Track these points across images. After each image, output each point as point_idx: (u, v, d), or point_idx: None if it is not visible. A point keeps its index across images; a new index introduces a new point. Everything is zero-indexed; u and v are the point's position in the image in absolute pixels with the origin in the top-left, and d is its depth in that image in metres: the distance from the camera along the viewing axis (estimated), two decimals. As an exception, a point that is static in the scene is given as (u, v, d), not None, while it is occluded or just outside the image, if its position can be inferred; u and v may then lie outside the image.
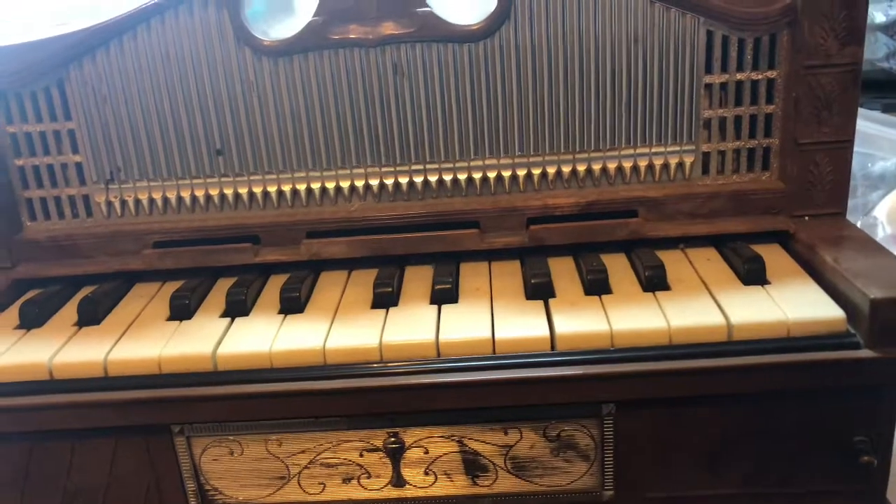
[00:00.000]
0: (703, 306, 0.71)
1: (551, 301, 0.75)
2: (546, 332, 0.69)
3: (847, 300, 0.68)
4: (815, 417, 0.70)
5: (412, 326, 0.73)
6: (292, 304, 0.78)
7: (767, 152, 0.83)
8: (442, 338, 0.70)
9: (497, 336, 0.70)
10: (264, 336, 0.73)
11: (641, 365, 0.67)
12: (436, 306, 0.76)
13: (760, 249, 0.81)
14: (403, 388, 0.69)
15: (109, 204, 0.88)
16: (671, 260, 0.81)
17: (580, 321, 0.70)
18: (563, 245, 0.83)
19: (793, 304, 0.70)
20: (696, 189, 0.84)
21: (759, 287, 0.73)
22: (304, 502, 0.76)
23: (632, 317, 0.70)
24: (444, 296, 0.77)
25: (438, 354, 0.70)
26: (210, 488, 0.77)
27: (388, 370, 0.70)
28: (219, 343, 0.73)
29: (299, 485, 0.76)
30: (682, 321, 0.69)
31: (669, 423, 0.71)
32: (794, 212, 0.83)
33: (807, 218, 0.83)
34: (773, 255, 0.80)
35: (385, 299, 0.77)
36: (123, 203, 0.88)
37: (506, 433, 0.73)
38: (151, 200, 0.87)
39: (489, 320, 0.72)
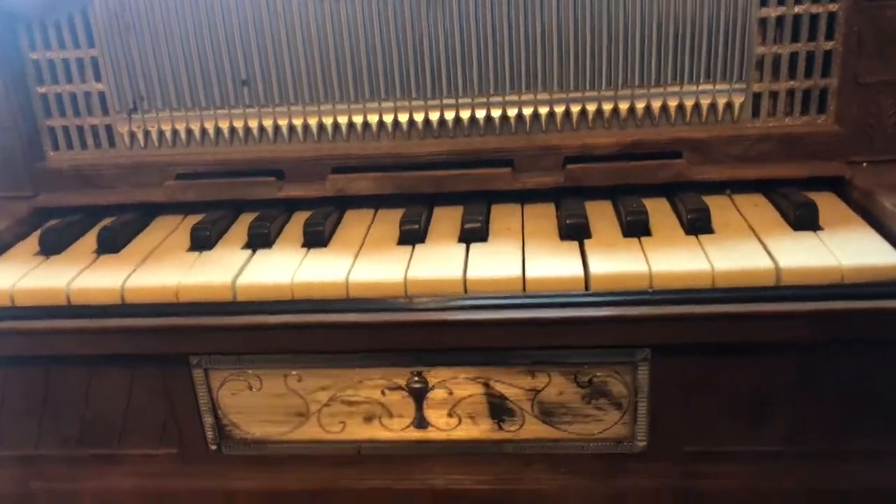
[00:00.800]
0: (750, 250, 0.66)
1: (587, 242, 0.71)
2: (580, 272, 0.66)
3: (902, 245, 0.64)
4: (867, 371, 0.65)
5: (439, 263, 0.69)
6: (316, 238, 0.75)
7: (824, 93, 0.78)
8: (470, 275, 0.67)
9: (528, 274, 0.66)
10: (286, 268, 0.70)
11: (680, 308, 0.63)
12: (464, 244, 0.73)
13: (813, 196, 0.76)
14: (428, 324, 0.66)
15: (132, 134, 0.86)
16: (716, 205, 0.76)
17: (616, 262, 0.66)
18: (601, 187, 0.79)
19: (847, 249, 0.65)
20: (746, 131, 0.78)
21: (811, 233, 0.69)
22: (323, 440, 0.74)
23: (672, 258, 0.66)
24: (473, 234, 0.74)
25: (466, 291, 0.67)
26: (227, 423, 0.75)
27: (412, 306, 0.67)
28: (239, 273, 0.70)
29: (319, 423, 0.74)
30: (726, 264, 0.64)
31: (709, 373, 0.67)
32: (850, 157, 0.77)
33: (865, 164, 0.77)
34: (826, 202, 0.75)
35: (412, 236, 0.74)
36: (147, 133, 0.85)
37: (533, 377, 0.69)
38: (175, 131, 0.85)
39: (520, 259, 0.69)
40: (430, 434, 0.73)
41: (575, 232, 0.72)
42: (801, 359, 0.66)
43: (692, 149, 0.79)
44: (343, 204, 0.84)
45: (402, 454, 0.74)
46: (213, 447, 0.76)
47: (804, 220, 0.70)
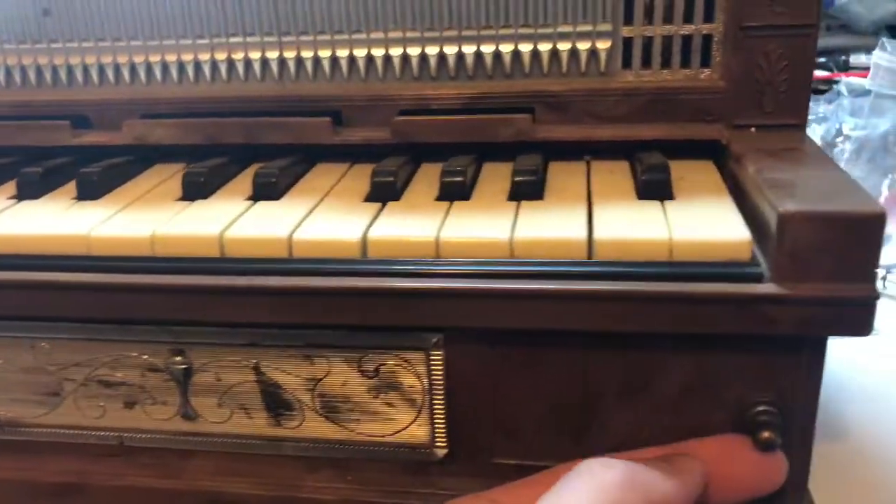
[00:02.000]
0: (569, 220, 0.53)
1: (391, 205, 0.59)
2: (358, 236, 0.53)
3: (760, 219, 0.50)
4: (700, 375, 0.52)
5: (205, 221, 0.58)
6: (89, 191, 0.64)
7: (708, 42, 0.64)
8: (229, 234, 0.55)
9: (296, 237, 0.54)
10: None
11: (471, 283, 0.51)
12: (251, 202, 0.61)
13: (684, 165, 0.63)
14: (180, 289, 0.54)
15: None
16: (564, 170, 0.64)
17: (406, 227, 0.54)
18: (438, 144, 0.67)
19: (688, 221, 0.52)
20: (611, 84, 0.65)
21: (657, 202, 0.56)
22: (82, 427, 0.63)
23: (474, 226, 0.54)
24: (265, 190, 0.62)
25: (222, 254, 0.55)
26: (-20, 401, 0.64)
27: (159, 266, 0.55)
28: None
29: (76, 405, 0.62)
30: (529, 233, 0.52)
31: (515, 366, 0.55)
32: (736, 120, 0.64)
33: (753, 129, 0.64)
34: (697, 171, 0.62)
35: (194, 191, 0.63)
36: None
37: (312, 363, 0.57)
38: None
39: (300, 219, 0.57)
40: (200, 427, 0.61)
41: (382, 193, 0.60)
42: (630, 355, 0.53)
43: (547, 104, 0.66)
44: (149, 156, 0.73)
45: (170, 448, 0.62)
46: (-37, 428, 0.65)
47: (651, 186, 0.56)
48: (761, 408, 0.51)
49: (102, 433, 0.63)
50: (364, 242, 0.53)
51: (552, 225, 0.52)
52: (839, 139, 1.37)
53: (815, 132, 1.42)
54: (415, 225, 0.54)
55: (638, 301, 0.48)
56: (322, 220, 0.57)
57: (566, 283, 0.49)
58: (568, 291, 0.49)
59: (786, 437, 0.52)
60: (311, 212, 0.58)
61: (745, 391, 0.52)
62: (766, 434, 0.50)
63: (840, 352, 0.85)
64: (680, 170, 0.62)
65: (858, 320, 0.47)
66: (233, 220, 0.57)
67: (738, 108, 0.63)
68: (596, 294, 0.48)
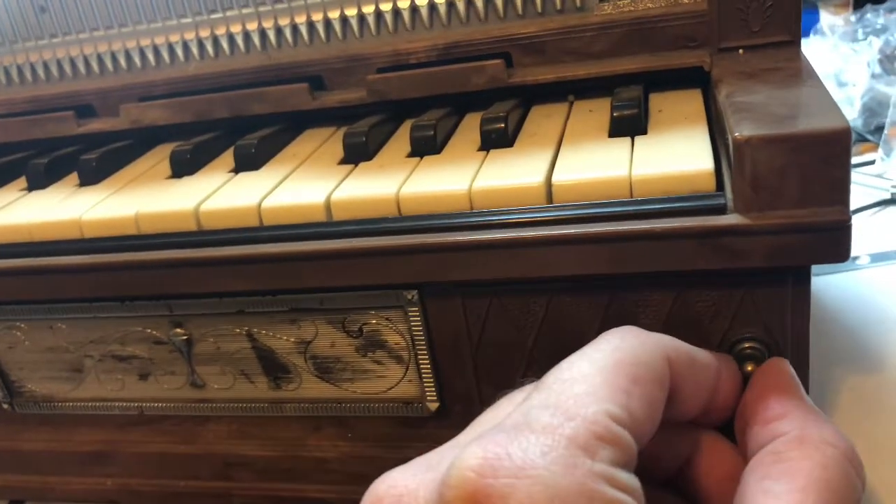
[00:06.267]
0: (531, 165, 0.52)
1: (363, 164, 0.59)
2: (321, 199, 0.54)
3: (727, 147, 0.48)
4: (681, 313, 0.50)
5: (186, 196, 0.60)
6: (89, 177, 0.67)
7: (687, -38, 0.61)
8: (205, 206, 0.57)
9: (265, 204, 0.55)
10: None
11: (433, 237, 0.50)
12: (233, 174, 0.63)
13: (669, 96, 0.61)
14: (166, 264, 0.56)
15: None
16: (543, 113, 0.62)
17: (372, 185, 0.54)
18: (417, 100, 0.66)
19: (652, 156, 0.49)
20: (587, 20, 0.63)
21: (626, 139, 0.53)
22: (106, 399, 0.67)
23: (436, 180, 0.53)
24: (245, 162, 0.63)
25: (199, 227, 0.57)
26: (15, 379, 0.69)
27: (145, 243, 0.57)
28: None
29: (98, 380, 0.67)
30: (487, 182, 0.51)
31: (493, 317, 0.54)
32: (722, 43, 0.60)
33: (741, 51, 0.60)
34: (680, 102, 0.59)
35: (182, 167, 0.65)
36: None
37: (298, 326, 0.59)
38: (-12, 69, 0.79)
39: (270, 187, 0.58)
40: (208, 394, 0.64)
41: (354, 154, 0.60)
42: (607, 296, 0.52)
43: (523, 47, 0.64)
44: (152, 138, 0.75)
45: (186, 415, 0.66)
46: (6, 406, 0.70)
47: (620, 124, 0.54)
48: (746, 343, 0.49)
49: (124, 404, 0.67)
50: (328, 205, 0.54)
51: (512, 172, 0.51)
52: (900, 51, 1.27)
53: (872, 45, 1.32)
54: (378, 183, 0.54)
55: (598, 242, 0.47)
56: (293, 186, 0.57)
57: (525, 231, 0.48)
58: (525, 239, 0.48)
59: (775, 372, 0.50)
60: (284, 179, 0.59)
61: (729, 328, 0.50)
62: (748, 367, 0.48)
63: (883, 280, 0.80)
64: (662, 102, 0.59)
65: (833, 246, 0.44)
66: (209, 194, 0.59)
67: (722, 30, 0.60)
68: (553, 238, 0.47)
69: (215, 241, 0.56)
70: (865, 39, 1.27)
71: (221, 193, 0.59)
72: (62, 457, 0.69)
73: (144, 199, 0.61)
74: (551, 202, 0.49)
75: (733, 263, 0.45)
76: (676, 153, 0.49)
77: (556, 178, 0.49)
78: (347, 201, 0.53)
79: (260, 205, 0.55)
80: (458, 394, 0.58)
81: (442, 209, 0.51)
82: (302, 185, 0.57)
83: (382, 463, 0.57)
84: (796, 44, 0.59)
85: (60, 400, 0.69)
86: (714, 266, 0.46)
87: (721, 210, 0.45)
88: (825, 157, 0.42)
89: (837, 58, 1.23)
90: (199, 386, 0.64)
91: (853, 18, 1.32)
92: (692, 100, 0.59)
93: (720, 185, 0.47)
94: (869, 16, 1.34)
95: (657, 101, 0.60)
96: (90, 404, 0.68)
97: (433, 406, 0.58)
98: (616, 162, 0.50)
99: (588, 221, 0.47)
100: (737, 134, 0.43)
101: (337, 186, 0.55)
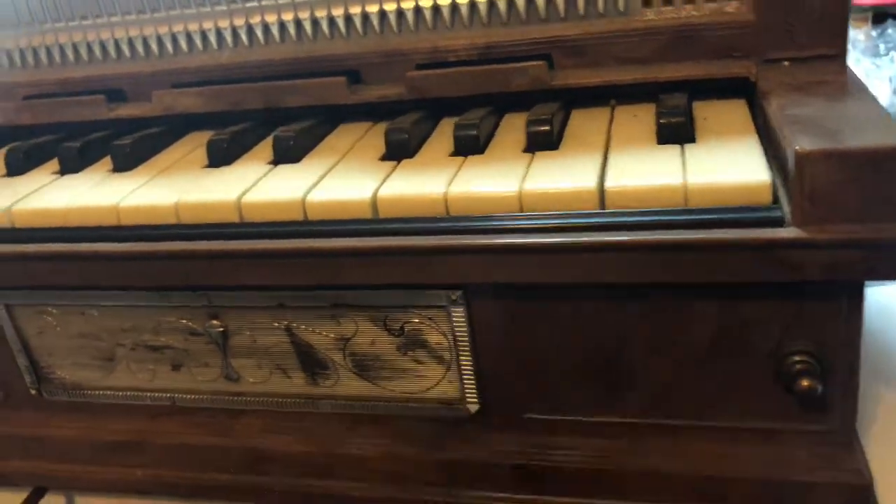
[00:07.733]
0: (581, 169, 0.52)
1: (406, 162, 0.59)
2: (368, 195, 0.54)
3: (783, 160, 0.48)
4: (730, 325, 0.51)
5: (226, 185, 0.59)
6: (123, 162, 0.67)
7: (734, -31, 0.61)
8: (247, 198, 0.57)
9: (309, 198, 0.55)
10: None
11: (482, 239, 0.50)
12: (272, 166, 0.62)
13: (713, 105, 0.61)
14: (205, 254, 0.56)
15: (-24, 55, 0.79)
16: (586, 116, 0.62)
17: (415, 183, 0.54)
18: (457, 98, 0.66)
19: (705, 165, 0.50)
20: (633, 24, 0.63)
21: (676, 146, 0.54)
22: (137, 388, 0.67)
23: (483, 180, 0.53)
24: (286, 154, 0.63)
25: (241, 219, 0.57)
26: (45, 366, 0.69)
27: (185, 232, 0.57)
28: (17, 202, 0.63)
29: (129, 369, 0.66)
30: (538, 185, 0.51)
31: (538, 321, 0.55)
32: (768, 54, 0.60)
33: (786, 63, 0.60)
34: (725, 111, 0.59)
35: (218, 158, 0.64)
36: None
37: (339, 323, 0.59)
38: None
39: (313, 181, 0.57)
40: (242, 387, 0.64)
41: (396, 151, 0.60)
42: (656, 305, 0.52)
43: (565, 50, 0.64)
44: (185, 125, 0.75)
45: (218, 409, 0.66)
46: (34, 391, 0.70)
47: (669, 131, 0.54)
48: (797, 357, 0.50)
49: (156, 394, 0.67)
50: (374, 202, 0.54)
51: (563, 176, 0.51)
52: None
53: (894, 61, 1.32)
54: (425, 182, 0.54)
55: (653, 250, 0.47)
56: (337, 181, 0.57)
57: (575, 236, 0.48)
58: (578, 244, 0.48)
59: (828, 387, 0.50)
60: (326, 173, 0.59)
61: (779, 341, 0.51)
62: (804, 383, 0.49)
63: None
64: (706, 110, 0.60)
65: (891, 262, 0.44)
66: (251, 185, 0.58)
67: (768, 41, 0.60)
68: (607, 245, 0.48)
69: (257, 234, 0.56)
70: (887, 55, 1.28)
71: (263, 185, 0.58)
72: (91, 445, 0.69)
73: (183, 187, 0.60)
74: (603, 208, 0.50)
75: (790, 277, 0.46)
76: (730, 163, 0.49)
77: (610, 184, 0.49)
78: (395, 199, 0.53)
79: (304, 199, 0.55)
80: (498, 397, 0.58)
81: (491, 210, 0.51)
82: (345, 181, 0.57)
83: (418, 463, 0.57)
84: (842, 57, 0.60)
85: (90, 388, 0.68)
86: (770, 279, 0.46)
87: (778, 223, 0.46)
88: (884, 174, 0.43)
89: (859, 72, 1.23)
90: (234, 379, 0.64)
91: (874, 33, 1.32)
92: (738, 109, 0.59)
93: (774, 197, 0.47)
94: (890, 31, 1.34)
95: (701, 109, 0.60)
96: (121, 393, 0.68)
97: (473, 408, 0.59)
98: (669, 169, 0.50)
99: (643, 229, 0.47)
100: (797, 147, 0.44)
101: (382, 183, 0.55)
